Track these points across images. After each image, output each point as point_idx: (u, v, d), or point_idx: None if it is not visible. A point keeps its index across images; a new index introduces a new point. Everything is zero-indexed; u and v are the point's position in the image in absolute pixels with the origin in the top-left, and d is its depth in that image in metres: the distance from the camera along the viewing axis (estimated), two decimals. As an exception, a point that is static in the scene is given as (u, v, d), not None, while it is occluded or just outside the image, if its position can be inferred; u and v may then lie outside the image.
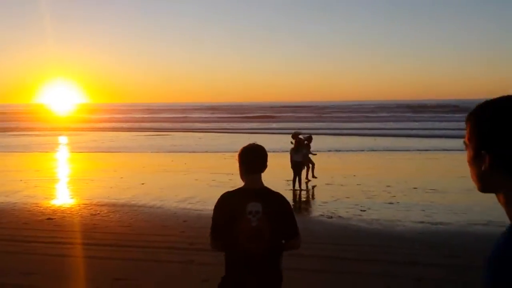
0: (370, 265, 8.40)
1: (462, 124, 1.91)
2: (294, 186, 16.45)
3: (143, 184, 17.81)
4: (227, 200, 3.86)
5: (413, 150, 30.81)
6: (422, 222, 11.94)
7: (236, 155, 3.97)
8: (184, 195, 15.56)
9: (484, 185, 1.70)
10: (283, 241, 3.87)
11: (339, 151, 30.92)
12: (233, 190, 3.96)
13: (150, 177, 19.58)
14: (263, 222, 3.72)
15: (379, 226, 11.52)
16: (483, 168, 1.67)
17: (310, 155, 18.36)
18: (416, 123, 58.74)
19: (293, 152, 16.59)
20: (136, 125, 64.16)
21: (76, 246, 9.68)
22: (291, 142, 16.94)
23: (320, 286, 7.63)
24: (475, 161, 1.70)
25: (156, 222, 11.96)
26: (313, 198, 15.17)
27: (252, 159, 3.90)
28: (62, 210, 13.26)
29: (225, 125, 63.61)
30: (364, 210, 13.25)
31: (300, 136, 17.80)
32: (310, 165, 18.41)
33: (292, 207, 4.20)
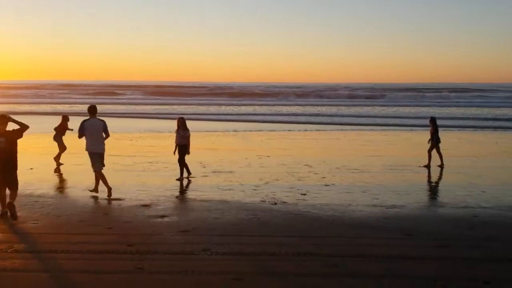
0: (364, 263, 7.02)
1: None
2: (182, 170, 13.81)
3: (32, 169, 14.94)
4: None
5: (311, 130, 30.80)
6: (374, 205, 10.90)
7: None
8: (89, 181, 13.09)
9: None
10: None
11: (236, 131, 29.62)
12: None
13: (37, 161, 16.66)
14: (5, 145, 8.97)
15: (334, 212, 10.24)
16: None
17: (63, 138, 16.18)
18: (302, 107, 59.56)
19: (176, 133, 14.00)
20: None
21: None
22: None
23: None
24: None
25: (70, 217, 9.58)
26: (241, 182, 13.50)
27: None
28: None
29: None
30: (305, 194, 11.94)
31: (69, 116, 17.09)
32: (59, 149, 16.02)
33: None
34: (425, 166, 16.18)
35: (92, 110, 11.32)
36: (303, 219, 9.59)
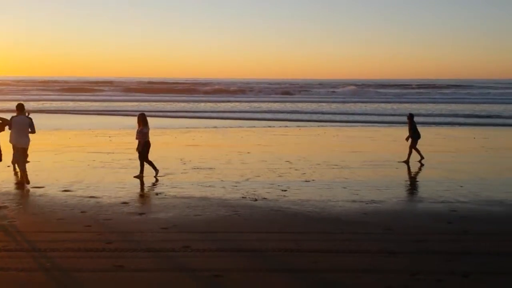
0: (344, 258, 7.05)
1: None
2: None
3: (9, 166, 14.66)
4: None
5: (291, 127, 30.86)
6: (354, 201, 10.96)
7: None
8: (67, 179, 12.94)
9: None
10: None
11: (217, 127, 29.56)
12: None
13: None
14: None
15: (314, 208, 10.26)
16: None
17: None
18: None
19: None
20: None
21: None
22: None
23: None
24: None
25: (47, 214, 9.44)
26: (222, 178, 13.45)
27: None
28: None
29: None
30: (285, 190, 11.94)
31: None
32: None
33: None
34: (404, 162, 16.32)
35: (20, 107, 12.59)
36: (284, 215, 9.60)
